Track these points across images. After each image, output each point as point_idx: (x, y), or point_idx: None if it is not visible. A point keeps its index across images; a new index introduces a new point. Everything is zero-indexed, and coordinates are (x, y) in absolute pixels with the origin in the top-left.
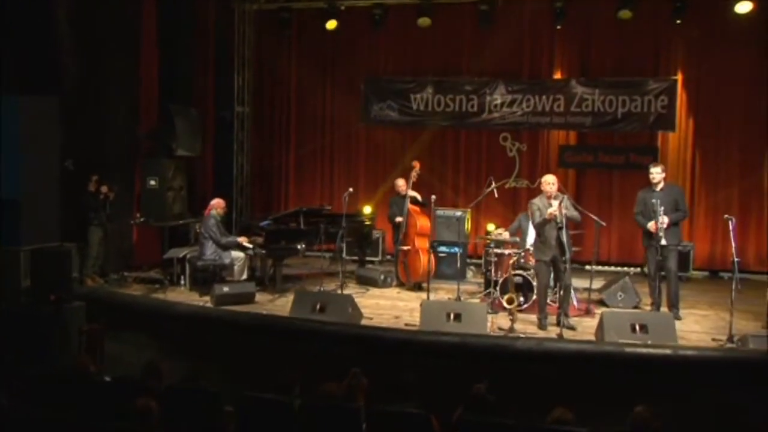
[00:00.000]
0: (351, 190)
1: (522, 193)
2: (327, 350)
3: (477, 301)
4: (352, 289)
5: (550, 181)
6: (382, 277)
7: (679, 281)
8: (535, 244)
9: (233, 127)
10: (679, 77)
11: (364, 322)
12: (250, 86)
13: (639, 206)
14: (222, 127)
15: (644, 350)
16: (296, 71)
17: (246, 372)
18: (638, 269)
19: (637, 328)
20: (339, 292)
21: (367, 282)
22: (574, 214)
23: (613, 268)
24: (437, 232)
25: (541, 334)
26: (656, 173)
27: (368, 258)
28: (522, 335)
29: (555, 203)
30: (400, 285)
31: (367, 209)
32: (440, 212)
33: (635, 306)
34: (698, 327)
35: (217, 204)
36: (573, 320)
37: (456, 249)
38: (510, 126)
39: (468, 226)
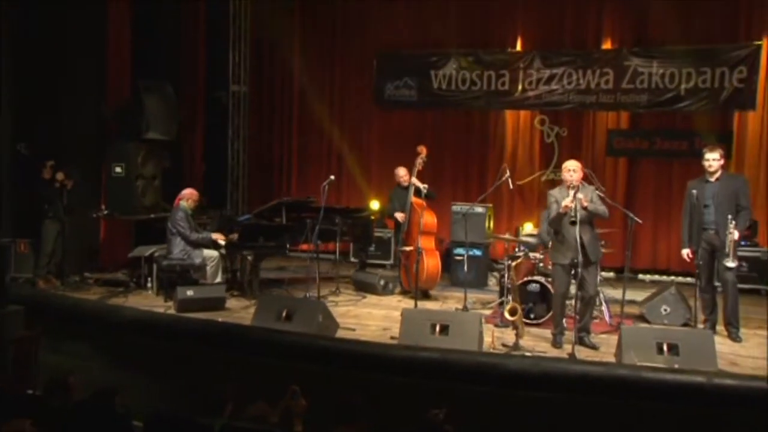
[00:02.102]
0: (332, 178)
1: None
2: (277, 364)
3: (486, 311)
4: (345, 296)
5: (570, 168)
6: (381, 282)
7: (739, 294)
8: (552, 244)
9: (228, 108)
10: (764, 43)
11: (343, 334)
12: (247, 62)
13: (688, 200)
14: (215, 109)
15: (669, 376)
16: (300, 45)
17: (187, 386)
18: None
19: (665, 348)
20: (315, 298)
21: (364, 288)
22: (600, 208)
23: (672, 278)
24: (453, 231)
25: (555, 352)
26: (713, 159)
27: (378, 261)
28: (528, 353)
29: (571, 194)
30: (405, 292)
31: (375, 204)
32: (457, 208)
33: (685, 323)
34: (759, 352)
35: (188, 194)
36: (598, 338)
37: (475, 251)
38: (548, 107)
39: (490, 224)
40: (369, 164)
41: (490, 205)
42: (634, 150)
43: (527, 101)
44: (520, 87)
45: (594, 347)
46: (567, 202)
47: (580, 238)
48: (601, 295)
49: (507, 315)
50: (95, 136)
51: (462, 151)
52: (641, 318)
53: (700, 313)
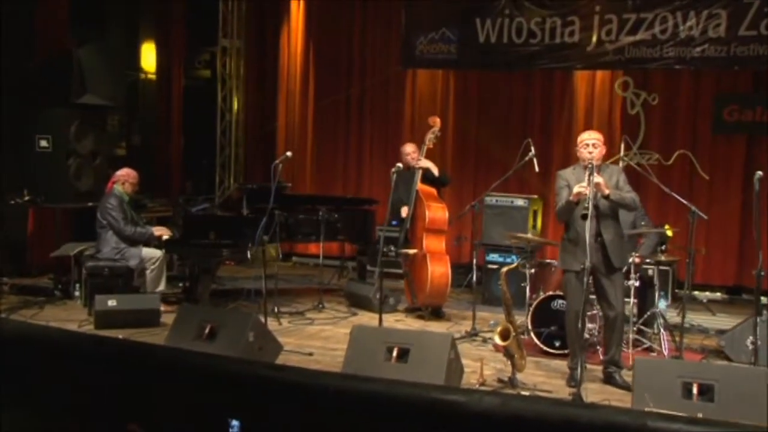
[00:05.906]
0: (288, 154)
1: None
2: (172, 396)
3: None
4: (329, 313)
5: (587, 141)
6: (379, 296)
7: None
8: (561, 245)
9: (215, 70)
10: None
11: (293, 358)
12: (242, 9)
13: None
14: (198, 70)
15: (685, 428)
16: None
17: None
18: None
19: (694, 390)
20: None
21: (358, 302)
22: (627, 196)
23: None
24: (485, 230)
25: (568, 392)
26: None
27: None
28: (525, 392)
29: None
30: (414, 309)
31: None
32: (492, 200)
33: None
34: None
35: (124, 175)
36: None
37: (513, 257)
38: (633, 65)
39: (536, 221)
40: (397, 140)
41: (535, 196)
42: (755, 124)
43: (604, 57)
44: (594, 38)
45: (627, 387)
46: (581, 188)
47: (600, 236)
48: (660, 320)
49: (497, 339)
50: (16, 100)
51: (517, 125)
52: (719, 353)
53: None
